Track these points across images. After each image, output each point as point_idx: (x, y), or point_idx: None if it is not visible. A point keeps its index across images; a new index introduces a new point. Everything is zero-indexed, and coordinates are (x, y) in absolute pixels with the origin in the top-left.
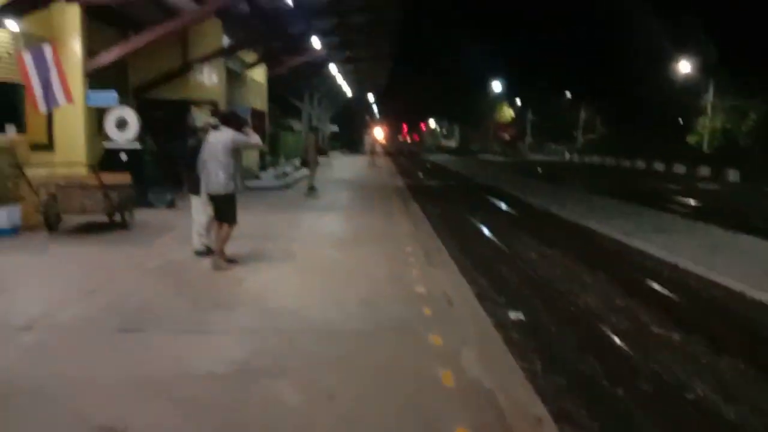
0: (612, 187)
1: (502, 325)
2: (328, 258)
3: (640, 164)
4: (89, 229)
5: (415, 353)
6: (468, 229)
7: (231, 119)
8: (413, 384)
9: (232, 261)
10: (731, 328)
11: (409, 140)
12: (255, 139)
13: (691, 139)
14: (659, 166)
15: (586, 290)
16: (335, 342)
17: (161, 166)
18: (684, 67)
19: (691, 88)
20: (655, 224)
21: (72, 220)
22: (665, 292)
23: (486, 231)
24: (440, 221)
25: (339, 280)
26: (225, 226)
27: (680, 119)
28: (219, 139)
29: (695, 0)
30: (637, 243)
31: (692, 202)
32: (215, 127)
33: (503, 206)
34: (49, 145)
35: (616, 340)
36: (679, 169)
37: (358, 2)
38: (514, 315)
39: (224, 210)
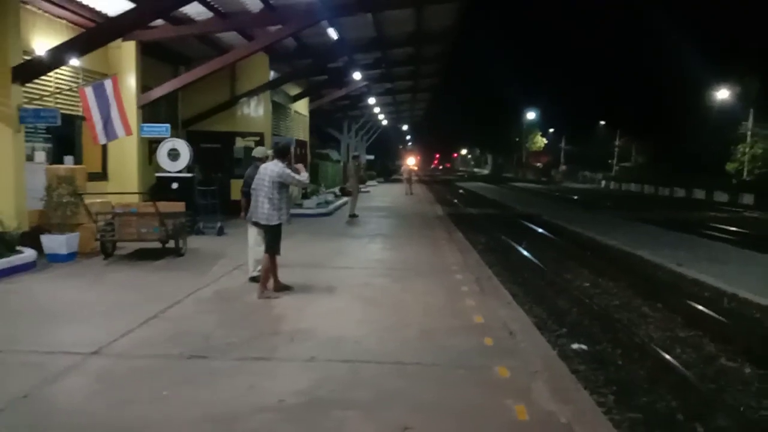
0: (655, 215)
1: (567, 357)
2: (381, 287)
3: (680, 192)
4: (143, 256)
5: (483, 386)
6: (516, 258)
7: (284, 153)
8: (487, 417)
9: (286, 288)
10: None
11: (441, 168)
12: (303, 177)
13: (730, 167)
14: (699, 194)
15: (647, 321)
16: (401, 374)
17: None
18: (722, 94)
19: (729, 116)
20: (707, 253)
21: (126, 246)
22: (729, 323)
23: (534, 259)
24: (486, 249)
25: (395, 309)
26: (266, 256)
27: (718, 146)
28: (267, 172)
29: (733, 28)
30: (692, 273)
31: (740, 230)
32: (266, 159)
33: (548, 234)
34: (103, 175)
35: (686, 372)
36: (721, 197)
37: (401, 37)
38: (577, 346)
39: (267, 240)
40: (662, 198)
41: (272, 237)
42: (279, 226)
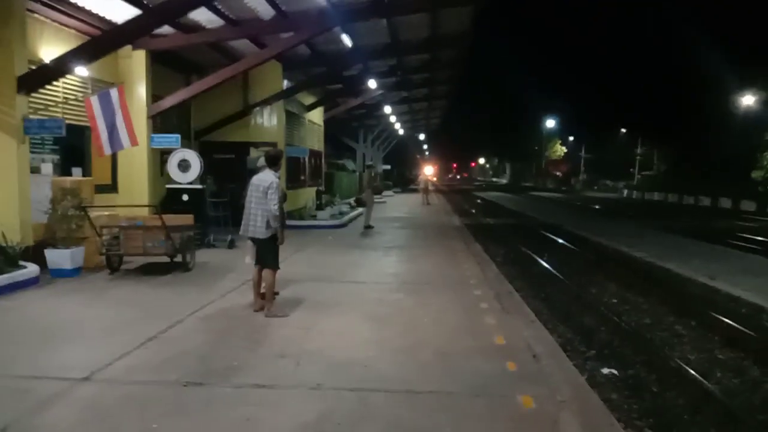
0: (681, 225)
1: (596, 383)
2: (395, 303)
3: (705, 201)
4: (150, 270)
5: (507, 419)
6: (537, 271)
7: (276, 161)
8: None
9: (277, 314)
10: None
11: (458, 177)
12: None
13: (756, 175)
14: (726, 203)
15: (682, 341)
16: (415, 405)
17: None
18: (747, 100)
19: (754, 122)
20: (739, 266)
21: (134, 260)
22: None
23: (557, 273)
24: (506, 262)
25: (409, 328)
26: (267, 272)
27: (743, 154)
28: (260, 182)
29: (756, 33)
30: (725, 287)
31: None
32: (261, 169)
33: (570, 246)
34: (112, 187)
35: (729, 400)
36: (748, 206)
37: (416, 43)
38: (608, 370)
39: (264, 254)
40: (687, 207)
41: (270, 250)
42: (274, 238)
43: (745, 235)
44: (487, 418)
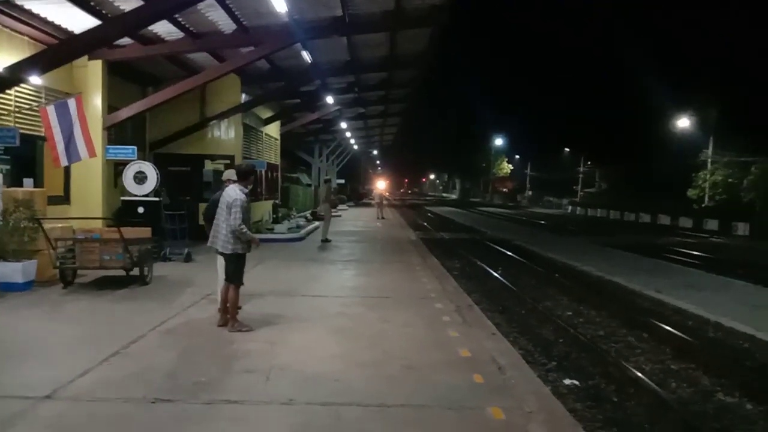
0: (624, 240)
1: (560, 393)
2: (358, 317)
3: (645, 217)
4: (106, 284)
5: (479, 431)
6: (494, 285)
7: (247, 176)
8: None
9: (241, 328)
10: None
11: (409, 192)
12: (238, 223)
13: (691, 193)
14: (665, 220)
15: (635, 352)
16: (388, 418)
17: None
18: (683, 123)
19: (690, 144)
20: (681, 280)
21: (88, 274)
22: (719, 354)
23: (513, 287)
24: (462, 276)
25: (376, 342)
26: (230, 287)
27: (680, 173)
28: (226, 197)
29: (694, 60)
30: (671, 300)
31: (710, 256)
32: (229, 182)
33: (522, 260)
34: (65, 198)
35: (687, 409)
36: (686, 222)
37: (375, 62)
38: (570, 381)
39: (228, 269)
40: (628, 223)
41: (235, 265)
42: (240, 254)
43: (684, 250)
44: (460, 428)
